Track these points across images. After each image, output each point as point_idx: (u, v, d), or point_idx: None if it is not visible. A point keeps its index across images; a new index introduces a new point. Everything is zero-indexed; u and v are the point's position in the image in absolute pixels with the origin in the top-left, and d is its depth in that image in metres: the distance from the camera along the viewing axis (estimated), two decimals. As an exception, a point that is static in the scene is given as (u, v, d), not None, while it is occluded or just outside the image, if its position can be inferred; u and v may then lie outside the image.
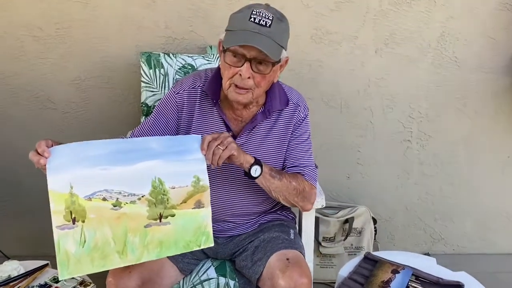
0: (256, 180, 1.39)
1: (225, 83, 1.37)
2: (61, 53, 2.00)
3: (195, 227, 1.27)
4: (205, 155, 1.28)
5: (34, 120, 2.08)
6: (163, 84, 1.86)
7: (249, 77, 1.32)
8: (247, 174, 1.37)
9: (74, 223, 1.16)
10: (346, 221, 2.17)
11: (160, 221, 1.24)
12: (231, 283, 1.51)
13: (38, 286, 1.46)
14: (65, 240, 1.15)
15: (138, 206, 1.21)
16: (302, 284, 1.33)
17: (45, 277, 1.51)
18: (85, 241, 1.17)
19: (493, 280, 2.23)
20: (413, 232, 2.41)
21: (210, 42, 2.00)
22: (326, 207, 2.22)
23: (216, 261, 1.58)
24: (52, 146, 1.18)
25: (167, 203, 1.24)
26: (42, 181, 2.11)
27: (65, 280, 1.49)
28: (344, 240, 2.18)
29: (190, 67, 1.86)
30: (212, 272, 1.53)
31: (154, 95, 1.85)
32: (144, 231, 1.22)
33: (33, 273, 1.52)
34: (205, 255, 1.58)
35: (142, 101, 1.87)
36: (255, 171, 1.36)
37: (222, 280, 1.51)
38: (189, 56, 1.88)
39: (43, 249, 2.21)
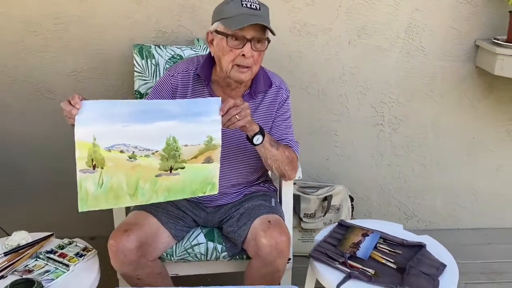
0: (256, 147, 1.56)
1: (227, 65, 1.54)
2: (59, 47, 2.16)
3: (202, 178, 1.44)
4: (222, 116, 1.41)
5: (34, 109, 2.24)
6: (155, 73, 2.02)
7: (250, 56, 1.51)
8: (249, 140, 1.53)
9: (94, 169, 1.35)
10: (325, 198, 2.36)
11: (170, 172, 1.41)
12: (219, 247, 1.69)
13: (45, 252, 1.62)
14: (85, 181, 1.35)
15: (152, 159, 1.39)
16: (282, 241, 1.52)
17: (51, 245, 1.67)
18: (102, 183, 1.36)
19: (462, 252, 2.44)
20: (388, 210, 2.60)
21: (197, 35, 2.18)
22: (306, 187, 2.43)
23: (205, 228, 1.76)
24: (80, 99, 1.34)
25: (178, 158, 1.41)
26: (42, 167, 2.30)
27: (69, 247, 1.66)
28: (323, 216, 2.36)
29: (179, 57, 2.03)
30: (201, 238, 1.71)
31: (146, 83, 2.02)
32: (154, 179, 1.40)
33: (40, 242, 1.68)
34: (196, 223, 1.75)
35: (135, 89, 2.03)
36: (257, 139, 1.52)
37: (210, 244, 1.69)
38: (178, 48, 2.05)
39: (47, 230, 2.38)
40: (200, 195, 1.46)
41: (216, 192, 1.47)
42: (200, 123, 1.41)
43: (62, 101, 1.37)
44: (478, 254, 2.46)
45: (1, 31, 2.11)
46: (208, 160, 1.43)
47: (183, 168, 1.42)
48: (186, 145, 1.41)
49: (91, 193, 1.36)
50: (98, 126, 1.34)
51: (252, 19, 1.48)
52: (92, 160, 1.35)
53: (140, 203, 1.44)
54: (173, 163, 1.41)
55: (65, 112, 1.35)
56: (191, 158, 1.42)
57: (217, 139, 1.42)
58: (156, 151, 1.39)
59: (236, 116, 1.42)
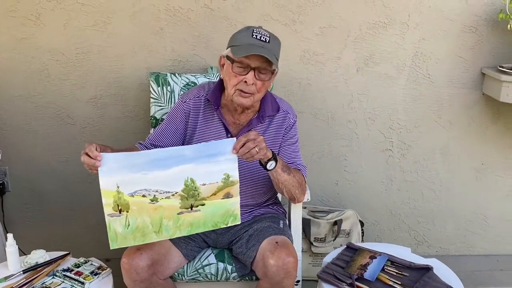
0: (269, 172, 1.62)
1: (231, 89, 1.63)
2: (80, 75, 2.27)
3: (223, 212, 1.54)
4: (237, 153, 1.49)
5: (55, 134, 2.35)
6: (170, 100, 2.12)
7: (252, 83, 1.59)
8: (263, 165, 1.60)
9: (120, 213, 1.46)
10: (335, 223, 2.39)
11: (191, 209, 1.51)
12: (229, 267, 1.73)
13: (62, 270, 1.69)
14: (114, 223, 1.46)
15: (172, 200, 1.49)
16: (289, 262, 1.56)
17: (67, 263, 1.74)
18: (129, 225, 1.47)
19: (474, 278, 2.44)
20: (399, 235, 2.61)
21: (211, 63, 2.28)
22: (317, 211, 2.47)
23: (216, 249, 1.81)
24: (98, 150, 1.43)
25: (198, 197, 1.51)
26: (60, 189, 2.39)
27: (85, 266, 1.72)
28: (333, 240, 2.39)
29: (193, 84, 2.12)
30: (212, 258, 1.76)
31: (162, 109, 2.11)
32: (177, 217, 1.51)
33: (57, 260, 1.74)
34: (206, 244, 1.80)
35: (151, 114, 2.12)
36: (271, 165, 1.59)
37: (221, 265, 1.74)
38: (192, 75, 2.15)
39: (62, 249, 2.45)
40: (223, 227, 1.56)
41: (238, 222, 1.57)
42: (216, 163, 1.50)
43: (87, 146, 1.44)
44: (489, 280, 2.45)
45: (28, 60, 2.24)
46: (227, 196, 1.53)
47: (203, 205, 1.52)
48: (204, 184, 1.51)
49: (119, 233, 1.48)
50: (120, 176, 1.45)
51: (257, 50, 1.56)
52: (118, 205, 1.46)
53: (165, 238, 1.54)
54: (193, 202, 1.51)
55: (87, 165, 1.45)
56: (211, 195, 1.52)
57: (235, 176, 1.53)
58: (176, 193, 1.49)
59: (256, 148, 1.49)
